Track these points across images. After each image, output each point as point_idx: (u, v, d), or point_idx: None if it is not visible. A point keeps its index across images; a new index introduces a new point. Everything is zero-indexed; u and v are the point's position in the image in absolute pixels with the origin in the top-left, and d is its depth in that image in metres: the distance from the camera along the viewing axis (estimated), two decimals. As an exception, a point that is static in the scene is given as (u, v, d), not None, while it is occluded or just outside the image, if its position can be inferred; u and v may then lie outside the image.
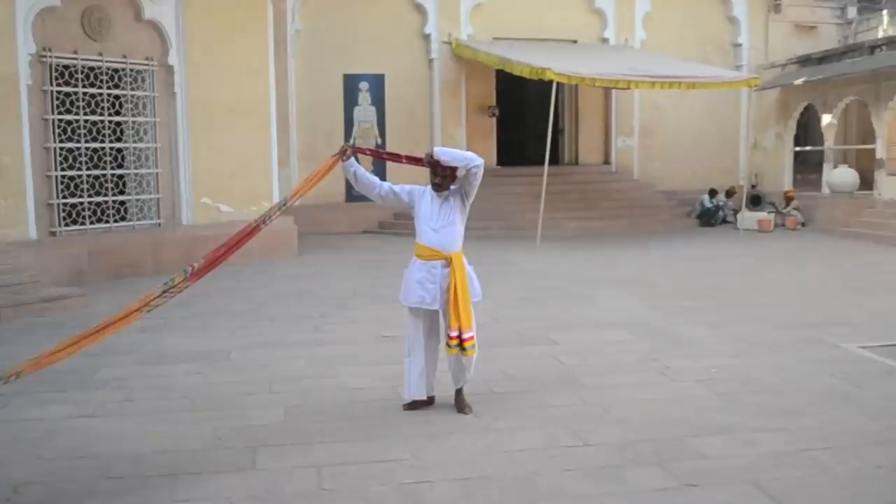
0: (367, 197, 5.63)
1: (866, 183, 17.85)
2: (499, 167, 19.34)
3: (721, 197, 18.93)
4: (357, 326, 8.39)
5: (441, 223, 5.42)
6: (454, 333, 5.36)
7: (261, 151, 13.62)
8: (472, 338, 5.41)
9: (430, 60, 18.22)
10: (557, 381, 6.33)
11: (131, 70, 12.10)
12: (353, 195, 17.74)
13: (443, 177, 5.40)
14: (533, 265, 12.80)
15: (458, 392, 5.67)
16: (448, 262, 5.41)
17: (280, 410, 5.65)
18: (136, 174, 12.31)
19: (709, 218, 18.46)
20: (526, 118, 25.03)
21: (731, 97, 20.01)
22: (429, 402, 5.68)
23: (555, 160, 19.35)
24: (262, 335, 8.02)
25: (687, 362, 6.83)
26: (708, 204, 18.61)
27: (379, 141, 17.95)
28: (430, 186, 5.50)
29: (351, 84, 17.83)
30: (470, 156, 5.31)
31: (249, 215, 13.21)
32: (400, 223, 17.28)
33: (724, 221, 18.60)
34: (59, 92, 11.34)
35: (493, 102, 19.29)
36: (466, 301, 5.39)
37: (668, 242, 15.64)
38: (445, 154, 5.34)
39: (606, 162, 19.95)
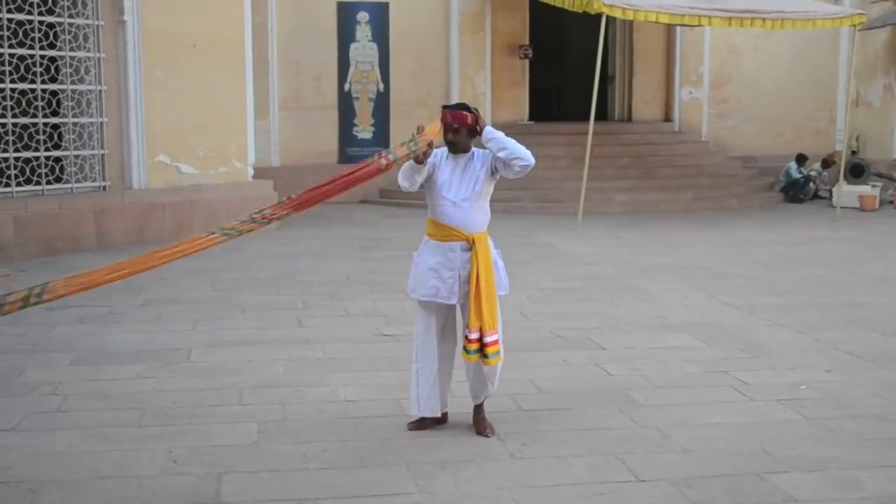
0: (362, 159, 5.58)
1: None
2: (531, 123, 19.28)
3: (815, 166, 18.75)
4: (350, 322, 8.35)
5: (462, 194, 5.35)
6: (474, 335, 5.30)
7: (233, 98, 13.57)
8: (496, 342, 5.36)
9: (447, -15, 18.12)
10: (602, 396, 6.27)
11: (71, -8, 12.06)
12: (347, 154, 17.73)
13: (455, 131, 5.32)
14: (573, 248, 12.73)
15: (478, 409, 5.62)
16: (470, 244, 5.33)
17: (252, 427, 5.61)
18: (75, 124, 12.27)
19: (796, 191, 18.33)
20: (567, 62, 24.90)
21: (827, 39, 19.81)
22: (440, 420, 5.64)
23: (602, 115, 19.26)
24: (231, 330, 7.98)
25: (767, 376, 6.76)
26: (795, 174, 18.46)
27: (381, 87, 17.87)
28: (446, 149, 5.42)
29: (347, 14, 17.73)
30: (524, 152, 5.24)
31: (217, 178, 13.24)
32: (406, 193, 17.18)
33: (816, 196, 18.49)
34: (-20, 18, 11.31)
35: (526, 41, 19.18)
36: (491, 295, 5.33)
37: (743, 222, 15.53)
38: (493, 135, 5.27)
39: (667, 119, 19.84)
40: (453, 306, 5.50)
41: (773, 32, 18.05)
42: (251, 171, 13.99)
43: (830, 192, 17.90)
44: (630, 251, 12.45)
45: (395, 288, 9.59)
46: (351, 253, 12.14)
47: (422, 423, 5.58)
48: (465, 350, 5.37)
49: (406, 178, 5.39)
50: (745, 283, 10.26)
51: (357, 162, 18.93)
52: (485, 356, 5.35)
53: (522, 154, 5.24)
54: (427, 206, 5.51)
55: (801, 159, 18.67)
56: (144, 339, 7.66)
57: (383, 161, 5.19)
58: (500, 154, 5.25)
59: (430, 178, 5.45)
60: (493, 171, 5.37)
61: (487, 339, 5.33)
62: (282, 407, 5.99)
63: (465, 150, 5.40)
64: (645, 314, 8.74)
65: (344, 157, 17.70)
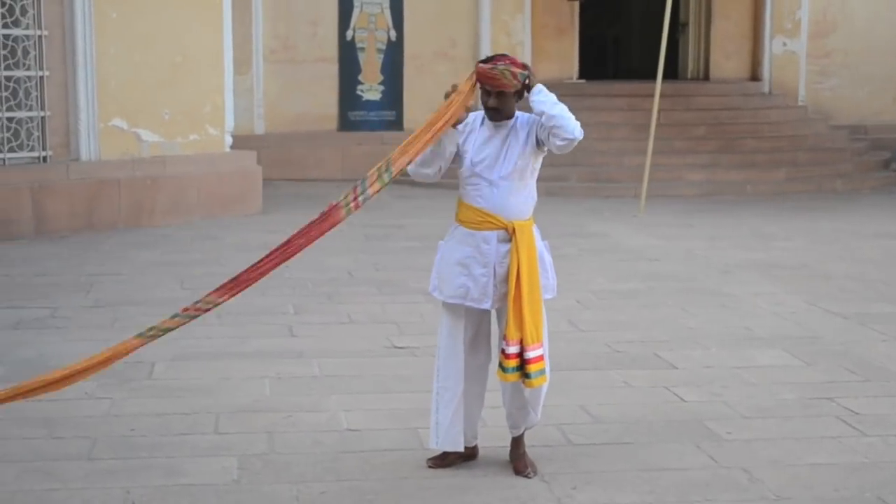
0: (369, 126, 5.59)
1: None
2: (582, 82, 19.25)
3: None
4: (354, 330, 8.34)
5: (501, 171, 5.33)
6: (513, 349, 5.29)
7: (206, 47, 13.59)
8: (540, 357, 5.35)
9: None
10: (673, 427, 6.23)
11: (6, -87, 12.09)
12: (349, 119, 17.75)
13: (498, 95, 5.29)
14: (634, 240, 12.68)
15: (517, 442, 5.61)
16: (509, 233, 5.32)
17: (231, 463, 5.60)
18: (7, 78, 12.32)
19: None
20: (627, 4, 24.85)
21: (960, -23, 19.66)
22: (469, 455, 5.63)
23: (672, 73, 19.20)
24: (204, 340, 7.97)
25: (884, 404, 6.70)
26: None
27: (392, 35, 17.88)
28: (482, 113, 5.41)
29: (351, -57, 17.77)
30: (570, 123, 5.19)
31: (186, 148, 13.28)
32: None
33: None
34: None
35: (577, -23, 19.13)
36: (535, 298, 5.32)
37: (851, 208, 15.46)
38: (542, 95, 5.23)
39: (755, 78, 19.77)
40: (487, 312, 5.49)
41: (892, -32, 17.93)
42: (229, 140, 14.02)
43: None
44: (707, 244, 12.40)
45: (410, 288, 9.61)
46: (354, 244, 12.14)
47: (444, 460, 5.58)
48: (502, 367, 5.35)
49: (426, 163, 5.38)
50: (854, 287, 10.20)
51: (363, 131, 18.97)
52: (526, 375, 5.33)
53: (566, 124, 5.18)
54: (458, 183, 5.49)
55: None
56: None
57: (352, 206, 5.32)
58: (543, 119, 5.23)
59: (459, 150, 5.43)
60: (539, 142, 5.35)
61: (530, 355, 5.31)
62: (268, 437, 5.97)
63: (510, 115, 5.38)
64: (726, 324, 8.68)
65: (346, 124, 17.72)
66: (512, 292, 5.27)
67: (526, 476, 5.47)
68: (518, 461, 5.55)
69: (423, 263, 10.89)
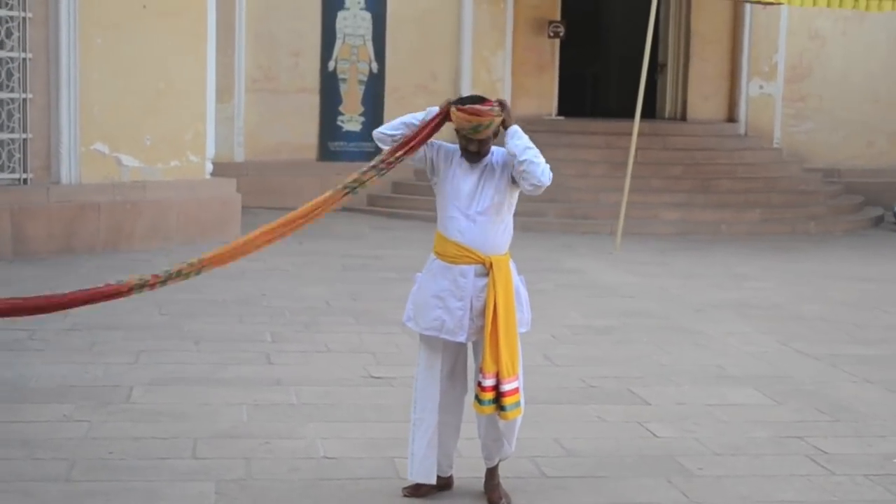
0: (348, 157, 5.68)
1: None
2: (560, 119, 19.36)
3: None
4: (331, 359, 8.37)
5: (480, 206, 5.40)
6: (489, 382, 5.35)
7: (190, 75, 13.64)
8: (516, 390, 5.40)
9: (461, -57, 18.26)
10: (646, 463, 6.28)
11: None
12: (329, 150, 17.79)
13: (480, 142, 5.38)
14: (609, 276, 12.76)
15: (491, 473, 5.66)
16: (486, 268, 5.39)
17: (209, 488, 5.63)
18: (-8, 100, 12.36)
19: None
20: (607, 44, 25.02)
21: (934, 26, 19.92)
22: (444, 485, 5.67)
23: (650, 112, 19.34)
24: (182, 365, 8.01)
25: (852, 445, 6.78)
26: None
27: (374, 67, 17.98)
28: (457, 147, 5.48)
29: (334, -25, 17.87)
30: (539, 169, 5.26)
31: (167, 174, 13.32)
32: (401, 199, 17.32)
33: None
34: None
35: (557, 16, 19.30)
36: (511, 332, 5.38)
37: (823, 251, 15.59)
38: (517, 137, 5.32)
39: (731, 119, 19.93)
40: (464, 345, 5.55)
41: (868, 15, 18.15)
42: (209, 167, 14.06)
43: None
44: (681, 283, 12.49)
45: (387, 319, 9.65)
46: (331, 274, 12.18)
47: (419, 489, 5.62)
48: (478, 400, 5.40)
49: (398, 126, 5.44)
50: (825, 328, 10.28)
51: (342, 161, 18.98)
52: (501, 408, 5.38)
53: (534, 170, 5.25)
54: (436, 215, 5.56)
55: None
56: (74, 373, 7.68)
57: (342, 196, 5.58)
58: (514, 162, 5.31)
59: (438, 177, 5.51)
60: (514, 179, 5.43)
61: (505, 388, 5.37)
62: (245, 463, 6.00)
63: (487, 154, 5.46)
64: (699, 362, 8.75)
65: (325, 154, 17.77)
66: (489, 326, 5.33)
67: (498, 506, 5.51)
68: (492, 492, 5.60)
69: (401, 294, 10.92)
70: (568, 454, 6.39)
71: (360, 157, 17.68)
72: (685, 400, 7.64)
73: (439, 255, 5.50)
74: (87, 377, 7.58)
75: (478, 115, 5.27)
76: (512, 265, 5.51)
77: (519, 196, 5.57)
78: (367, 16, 17.98)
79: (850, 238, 17.16)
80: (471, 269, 5.41)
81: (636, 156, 14.83)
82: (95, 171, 12.89)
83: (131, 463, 5.93)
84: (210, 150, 14.04)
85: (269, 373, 7.92)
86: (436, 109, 5.43)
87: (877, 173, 19.50)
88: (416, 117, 5.44)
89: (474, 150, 5.39)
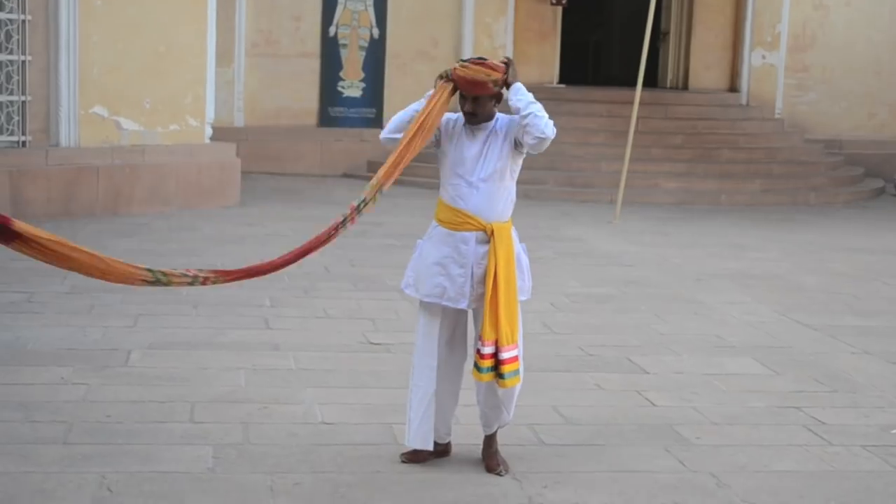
0: (349, 123, 5.65)
1: None
2: (562, 87, 19.30)
3: None
4: (330, 325, 8.37)
5: (481, 172, 5.38)
6: (488, 349, 5.34)
7: (190, 38, 13.59)
8: (515, 358, 5.40)
9: None
10: (644, 431, 6.29)
11: None
12: (329, 115, 17.76)
13: (475, 100, 5.35)
14: (608, 245, 12.75)
15: (489, 440, 5.66)
16: (487, 235, 5.38)
17: (206, 452, 5.63)
18: (-9, 62, 12.31)
19: None
20: (609, 12, 24.93)
21: (938, -3, 19.83)
22: (442, 452, 5.69)
23: (651, 81, 19.29)
24: (181, 329, 8.01)
25: (850, 416, 6.78)
26: None
27: (375, 32, 17.90)
28: (461, 115, 5.46)
29: (336, -60, 17.78)
30: (542, 121, 5.24)
31: (166, 138, 13.28)
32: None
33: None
34: None
35: (561, -18, 19.20)
36: (511, 300, 5.37)
37: (824, 222, 15.58)
38: (521, 94, 5.30)
39: (733, 89, 19.88)
40: (464, 312, 5.54)
41: (872, -14, 18.08)
42: (209, 131, 14.02)
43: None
44: (680, 252, 12.48)
45: (386, 285, 9.66)
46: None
47: (417, 455, 5.62)
48: (477, 367, 5.40)
49: (401, 126, 5.40)
50: (824, 299, 10.29)
51: (342, 127, 18.96)
52: (500, 376, 5.38)
53: (538, 122, 5.23)
54: (439, 182, 5.54)
55: None
56: (72, 336, 7.68)
57: (349, 223, 5.43)
58: (519, 118, 5.30)
59: (440, 145, 5.49)
60: (518, 143, 5.40)
61: (504, 356, 5.36)
62: (243, 427, 6.00)
63: (488, 118, 5.43)
64: (698, 332, 8.76)
65: (325, 119, 17.73)
66: (489, 293, 5.32)
67: (497, 474, 5.51)
68: (490, 459, 5.60)
69: (400, 261, 10.91)
70: (566, 422, 6.40)
71: (360, 124, 17.70)
72: (684, 369, 7.65)
73: (441, 221, 5.49)
74: (85, 340, 7.58)
75: (476, 68, 5.25)
76: (514, 233, 5.50)
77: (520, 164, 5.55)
78: (369, -19, 17.91)
79: (850, 209, 17.15)
80: (472, 236, 5.40)
81: (637, 125, 14.80)
82: (94, 135, 12.86)
83: (129, 426, 5.94)
84: (210, 115, 13.99)
85: (268, 338, 7.93)
86: (430, 93, 5.39)
87: (878, 145, 19.45)
88: (415, 109, 5.41)
89: (469, 109, 5.35)
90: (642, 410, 6.70)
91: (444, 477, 5.48)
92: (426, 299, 5.49)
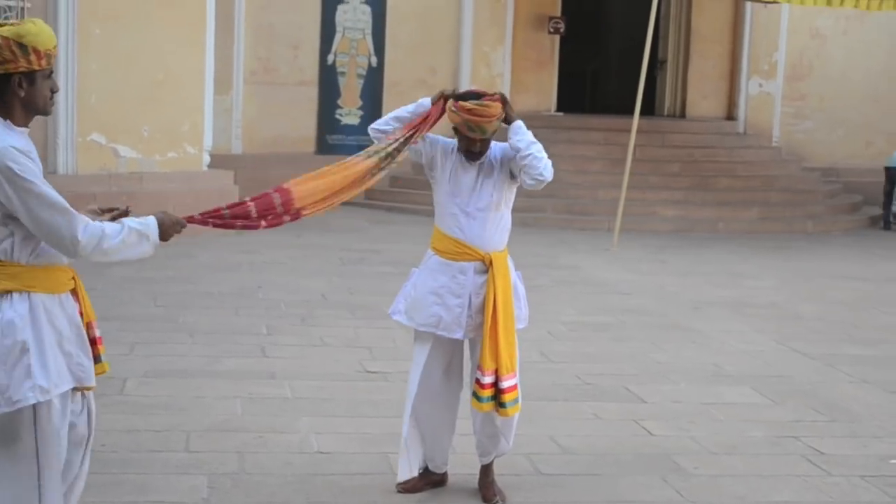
0: (346, 150, 5.65)
1: None
2: (559, 115, 19.34)
3: None
4: (326, 353, 8.36)
5: (480, 203, 5.38)
6: (488, 379, 5.33)
7: (188, 66, 13.62)
8: (514, 386, 5.40)
9: (461, -63, 18.24)
10: (641, 461, 6.27)
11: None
12: (328, 143, 17.77)
13: (483, 143, 5.33)
14: (606, 273, 12.74)
15: (486, 470, 5.64)
16: (486, 265, 5.37)
17: (201, 481, 5.62)
18: (-12, 89, 12.29)
19: None
20: (606, 40, 25.00)
21: (934, 26, 19.90)
22: (438, 481, 5.67)
23: (649, 109, 19.33)
24: (177, 357, 7.99)
25: (849, 446, 6.77)
26: None
27: (373, 61, 17.95)
28: (457, 145, 5.44)
29: (335, -32, 17.84)
30: (542, 163, 5.26)
31: (164, 165, 13.29)
32: (400, 193, 17.28)
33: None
34: None
35: (558, 12, 19.27)
36: (510, 329, 5.37)
37: (821, 250, 15.58)
38: (521, 133, 5.29)
39: (730, 117, 19.93)
40: (460, 342, 5.52)
41: (869, 15, 18.15)
42: (207, 159, 14.03)
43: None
44: (678, 280, 12.48)
45: (384, 313, 9.50)
46: (328, 267, 12.16)
47: (412, 485, 5.60)
48: (476, 397, 5.38)
49: (390, 121, 5.41)
50: (822, 328, 10.27)
51: (340, 154, 19.00)
52: (501, 405, 5.37)
53: (538, 164, 5.24)
54: (434, 210, 5.54)
55: None
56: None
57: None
58: (518, 158, 5.29)
59: (434, 172, 5.48)
60: (513, 174, 5.40)
61: (504, 384, 5.36)
62: (239, 457, 5.99)
63: (485, 151, 5.42)
64: (696, 361, 8.74)
65: (323, 147, 17.73)
66: (488, 322, 5.31)
67: (493, 503, 5.49)
68: (487, 489, 5.58)
69: (398, 289, 10.90)
70: (563, 451, 6.38)
71: (357, 151, 17.63)
72: (681, 398, 7.63)
73: (438, 251, 5.48)
74: (80, 368, 7.55)
75: (485, 116, 5.19)
76: (510, 261, 5.49)
77: (517, 191, 5.54)
78: (367, 9, 17.95)
79: (847, 237, 17.17)
80: (470, 266, 5.40)
81: (635, 153, 14.82)
82: (92, 162, 12.87)
83: (124, 455, 5.92)
84: (208, 142, 14.02)
85: (264, 366, 7.91)
86: (427, 102, 5.39)
87: (875, 173, 19.43)
88: (407, 110, 5.42)
89: (477, 150, 5.34)
90: (640, 440, 6.68)
91: (441, 507, 5.47)
92: (421, 328, 5.48)
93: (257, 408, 6.90)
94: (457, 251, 5.40)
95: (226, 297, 10.21)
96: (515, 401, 5.40)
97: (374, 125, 5.48)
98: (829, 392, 7.98)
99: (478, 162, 5.40)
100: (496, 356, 5.32)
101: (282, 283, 11.06)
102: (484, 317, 5.34)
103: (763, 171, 18.78)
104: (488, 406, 5.37)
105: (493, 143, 5.46)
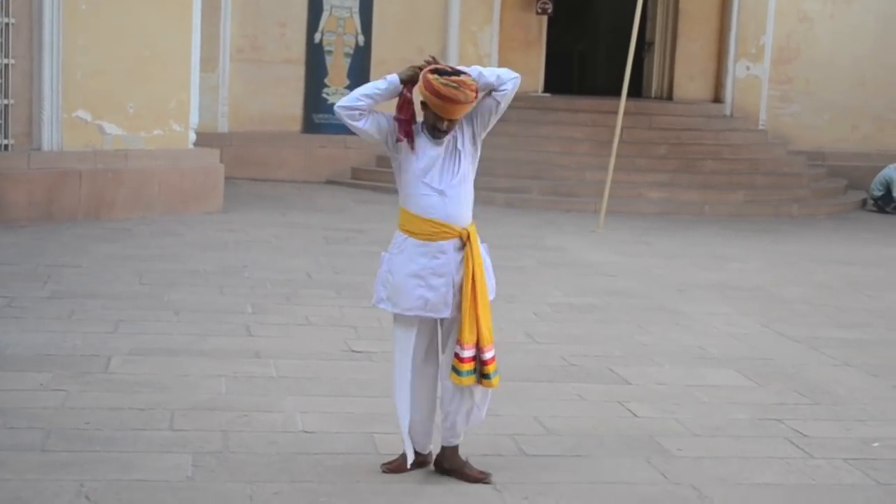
0: (333, 129, 5.61)
1: None
2: (546, 95, 19.30)
3: None
4: (311, 332, 8.36)
5: (452, 179, 5.36)
6: (468, 353, 5.35)
7: (174, 43, 13.54)
8: (493, 358, 5.44)
9: (449, -85, 18.16)
10: (625, 442, 6.29)
11: None
12: (314, 122, 17.73)
13: (451, 122, 5.31)
14: (592, 255, 12.75)
15: (454, 452, 5.60)
16: (464, 241, 5.38)
17: (185, 459, 5.61)
18: (-28, 65, 12.25)
19: (886, 201, 18.28)
20: (594, 21, 24.96)
21: (922, 10, 19.90)
22: (422, 462, 5.67)
23: (636, 91, 19.30)
24: (162, 336, 7.98)
25: (832, 428, 6.80)
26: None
27: (360, 39, 17.89)
28: (422, 125, 5.41)
29: (323, -54, 17.76)
30: (508, 75, 5.38)
31: (149, 143, 13.24)
32: (385, 173, 17.22)
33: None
34: None
35: (546, -8, 19.23)
36: (486, 301, 5.42)
37: (807, 233, 15.61)
38: (484, 77, 5.33)
39: (717, 99, 19.91)
40: (436, 322, 5.53)
41: (856, -1, 18.15)
42: (193, 137, 13.97)
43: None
44: (663, 263, 12.49)
45: (369, 293, 9.48)
46: (313, 246, 12.14)
47: (398, 464, 5.61)
48: (456, 371, 5.39)
49: (359, 97, 5.35)
50: (807, 311, 10.30)
51: (326, 133, 18.86)
52: (484, 376, 5.40)
53: (506, 79, 5.37)
54: (399, 190, 5.51)
55: None
56: (51, 341, 7.64)
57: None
58: (499, 97, 5.34)
59: (397, 152, 5.44)
60: (475, 130, 5.40)
61: (486, 356, 5.40)
62: (223, 435, 5.99)
63: (451, 130, 5.39)
64: (680, 343, 8.76)
65: (310, 126, 17.70)
66: (468, 297, 5.33)
67: (486, 482, 5.49)
68: (470, 469, 5.55)
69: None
70: (548, 432, 6.39)
71: (343, 130, 17.33)
72: (665, 380, 7.65)
73: (411, 233, 5.42)
74: (65, 346, 7.54)
75: (457, 103, 5.20)
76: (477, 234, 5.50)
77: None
78: (355, -12, 17.88)
79: (832, 221, 17.19)
80: (450, 245, 5.40)
81: (621, 134, 14.80)
82: (77, 139, 12.80)
83: (108, 433, 5.91)
84: (194, 120, 13.95)
85: (249, 345, 7.90)
86: (395, 78, 5.36)
87: (861, 157, 19.48)
88: (378, 86, 5.37)
89: (444, 129, 5.32)
90: (624, 421, 6.69)
91: (425, 488, 5.48)
92: (408, 313, 5.45)
93: (242, 387, 6.89)
94: (433, 230, 5.37)
95: (211, 275, 10.19)
96: (496, 371, 5.44)
97: (342, 102, 5.35)
98: (812, 375, 8.01)
99: (443, 138, 5.37)
100: (475, 328, 5.34)
101: (267, 262, 11.05)
102: (464, 292, 5.34)
103: (749, 154, 18.78)
104: (469, 380, 5.39)
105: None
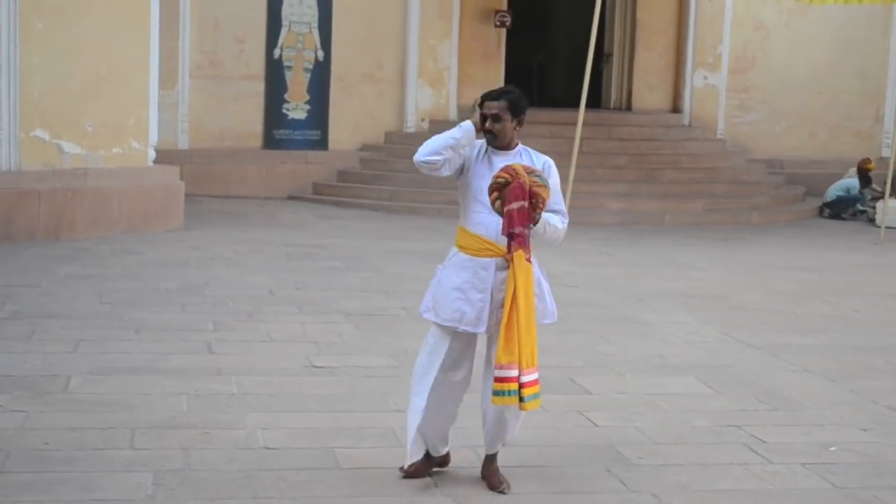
0: (293, 145, 5.67)
1: None
2: (507, 107, 19.29)
3: (877, 188, 18.54)
4: (273, 349, 8.35)
5: None
6: (505, 373, 5.42)
7: (133, 60, 13.51)
8: (536, 381, 5.50)
9: (405, -70, 18.21)
10: (586, 452, 6.33)
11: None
12: (274, 138, 17.72)
13: (494, 117, 5.53)
14: (554, 266, 12.74)
15: (491, 460, 5.79)
16: (507, 261, 5.48)
17: (146, 478, 5.60)
18: (-72, 85, 12.18)
19: (841, 209, 18.44)
20: (552, 33, 25.08)
21: (878, 19, 20.15)
22: (441, 462, 5.85)
23: (595, 102, 19.41)
24: (123, 355, 7.95)
25: (790, 433, 6.86)
26: (855, 191, 18.43)
27: (320, 54, 17.90)
28: (482, 143, 5.63)
29: (280, -39, 17.77)
30: (561, 229, 5.66)
31: (109, 161, 13.20)
32: (347, 188, 17.28)
33: (858, 212, 18.61)
34: None
35: (504, 5, 19.31)
36: (530, 324, 5.47)
37: (765, 241, 15.73)
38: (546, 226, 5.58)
39: (675, 109, 20.05)
40: (475, 337, 5.64)
41: (812, 8, 18.36)
42: (152, 154, 13.94)
43: (873, 207, 18.12)
44: (624, 272, 12.55)
45: (331, 308, 9.64)
46: (275, 262, 12.12)
47: (418, 468, 5.75)
48: (495, 392, 5.48)
49: (439, 150, 5.44)
50: (766, 318, 10.38)
51: (287, 149, 18.86)
52: (521, 399, 5.47)
53: (559, 230, 5.67)
54: (459, 208, 5.68)
55: (864, 178, 18.57)
56: (10, 362, 7.59)
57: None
58: (549, 228, 5.62)
59: (464, 174, 5.60)
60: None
61: (525, 379, 5.46)
62: (184, 453, 5.98)
63: (509, 145, 5.60)
64: (641, 352, 8.81)
65: (270, 142, 17.69)
66: (505, 316, 5.41)
67: (501, 491, 5.63)
68: (492, 476, 5.73)
69: (345, 283, 10.92)
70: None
71: (304, 146, 17.68)
72: (626, 389, 7.70)
73: (462, 248, 5.63)
74: (24, 366, 7.50)
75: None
76: (533, 258, 5.56)
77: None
78: (313, 3, 17.88)
79: (791, 228, 17.33)
80: (492, 262, 5.55)
81: (581, 146, 14.88)
82: (35, 158, 12.73)
83: (68, 454, 5.89)
84: (153, 137, 13.92)
85: (211, 362, 7.89)
86: (469, 125, 5.51)
87: (818, 164, 19.68)
88: (454, 136, 5.48)
89: (488, 128, 5.53)
90: (584, 431, 6.74)
91: (388, 500, 5.48)
92: (445, 324, 5.59)
93: (203, 404, 6.88)
94: (479, 247, 5.55)
95: (172, 293, 10.16)
96: (535, 395, 5.52)
97: (422, 157, 5.48)
98: (771, 381, 8.08)
99: (501, 159, 5.54)
100: (511, 350, 5.41)
101: (228, 278, 11.03)
102: (505, 311, 5.43)
103: (708, 163, 18.92)
104: (511, 400, 5.47)
105: (521, 147, 5.70)
